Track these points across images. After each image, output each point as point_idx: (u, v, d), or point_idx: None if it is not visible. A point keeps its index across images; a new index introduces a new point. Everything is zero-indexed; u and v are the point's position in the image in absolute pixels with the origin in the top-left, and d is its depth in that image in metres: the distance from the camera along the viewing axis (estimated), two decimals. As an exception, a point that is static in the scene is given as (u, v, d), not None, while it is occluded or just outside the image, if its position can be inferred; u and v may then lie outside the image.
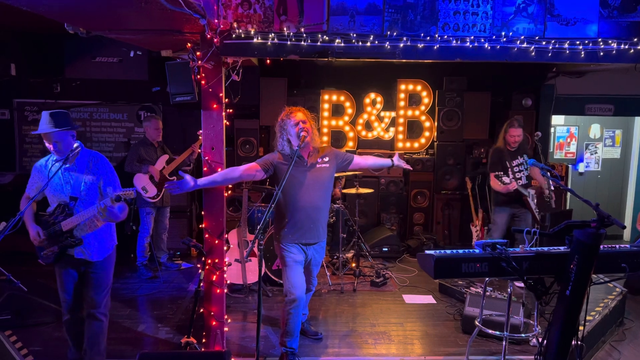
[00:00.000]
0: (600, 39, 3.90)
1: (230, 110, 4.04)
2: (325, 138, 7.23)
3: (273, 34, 3.70)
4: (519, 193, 5.26)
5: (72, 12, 3.46)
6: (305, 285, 3.89)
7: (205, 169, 3.89)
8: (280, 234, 3.80)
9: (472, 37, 3.85)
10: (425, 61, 4.06)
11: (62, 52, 6.88)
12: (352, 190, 6.01)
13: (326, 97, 7.26)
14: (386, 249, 6.64)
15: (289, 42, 3.73)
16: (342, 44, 3.76)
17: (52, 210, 3.39)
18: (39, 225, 3.40)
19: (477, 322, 3.85)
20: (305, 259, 3.86)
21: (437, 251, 2.29)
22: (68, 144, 3.33)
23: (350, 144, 7.38)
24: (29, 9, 3.23)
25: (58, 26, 3.89)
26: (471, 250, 2.36)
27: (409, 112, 7.29)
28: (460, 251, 2.33)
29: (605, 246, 2.39)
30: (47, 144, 3.32)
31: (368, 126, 7.42)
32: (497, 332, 3.83)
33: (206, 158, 3.88)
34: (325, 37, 3.74)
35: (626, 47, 3.88)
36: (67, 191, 3.35)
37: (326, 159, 3.82)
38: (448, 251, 2.32)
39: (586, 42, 3.89)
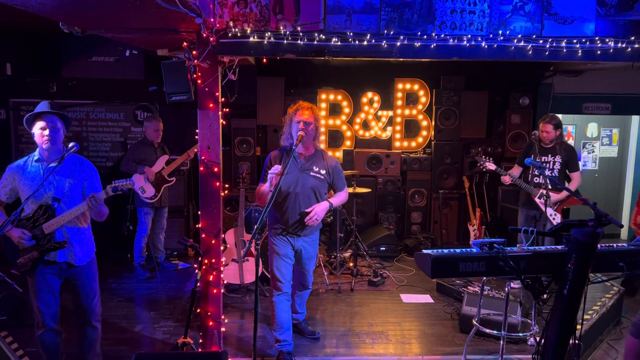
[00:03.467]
0: (597, 38, 3.89)
1: (227, 110, 4.02)
2: (322, 137, 7.21)
3: (269, 33, 3.68)
4: (531, 192, 4.96)
5: (66, 10, 3.43)
6: (291, 275, 3.92)
7: (201, 168, 3.87)
8: (268, 224, 3.94)
9: (469, 36, 3.84)
10: (423, 60, 4.05)
11: (58, 52, 6.85)
12: (350, 190, 5.99)
13: (323, 96, 7.26)
14: (384, 249, 6.63)
15: (285, 41, 3.71)
16: (339, 43, 3.75)
17: (32, 213, 3.18)
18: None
19: (474, 322, 3.85)
20: (293, 251, 3.88)
21: (435, 250, 2.27)
22: (60, 137, 3.21)
23: (348, 143, 7.37)
24: (22, 8, 3.21)
25: (54, 25, 3.85)
26: (468, 250, 2.35)
27: (407, 111, 7.29)
28: (458, 250, 2.32)
29: (603, 245, 2.39)
30: (40, 132, 3.14)
31: (365, 125, 7.41)
32: (495, 332, 3.82)
33: (202, 157, 3.86)
34: (321, 36, 3.72)
35: (623, 45, 3.88)
36: (50, 192, 3.20)
37: (323, 172, 3.78)
38: (445, 250, 2.31)
39: (583, 40, 3.88)
